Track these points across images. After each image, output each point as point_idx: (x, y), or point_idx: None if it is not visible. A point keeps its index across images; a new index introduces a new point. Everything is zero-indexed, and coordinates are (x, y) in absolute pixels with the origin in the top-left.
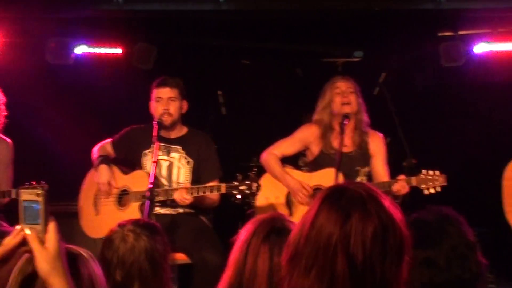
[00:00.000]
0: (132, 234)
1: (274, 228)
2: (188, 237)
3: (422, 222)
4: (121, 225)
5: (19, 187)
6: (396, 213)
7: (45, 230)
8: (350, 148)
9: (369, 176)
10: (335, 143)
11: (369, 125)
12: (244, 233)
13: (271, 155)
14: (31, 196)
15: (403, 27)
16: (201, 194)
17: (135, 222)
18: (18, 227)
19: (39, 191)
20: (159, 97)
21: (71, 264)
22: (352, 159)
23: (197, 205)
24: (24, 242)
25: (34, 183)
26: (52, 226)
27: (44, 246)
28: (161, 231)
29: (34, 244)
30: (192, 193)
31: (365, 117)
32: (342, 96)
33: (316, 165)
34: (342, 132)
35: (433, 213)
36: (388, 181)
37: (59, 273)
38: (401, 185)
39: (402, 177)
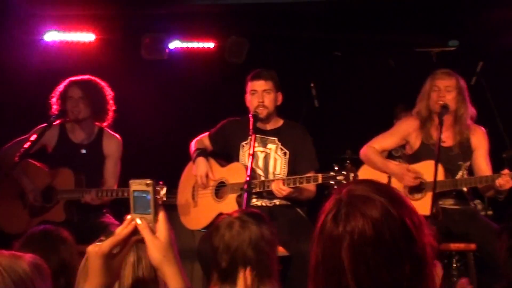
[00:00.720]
0: (238, 222)
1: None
2: (285, 229)
3: None
4: (229, 214)
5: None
6: (394, 206)
7: (155, 220)
8: (450, 143)
9: (470, 171)
10: (435, 135)
11: (473, 119)
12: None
13: (371, 149)
14: (140, 186)
15: (501, 14)
16: (297, 185)
17: (243, 211)
18: (128, 217)
19: (149, 181)
20: (254, 90)
21: None
22: (453, 154)
23: (296, 196)
24: (135, 232)
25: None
26: (162, 216)
27: (155, 236)
28: (268, 221)
29: (145, 234)
30: (288, 184)
31: (468, 112)
32: (438, 95)
33: (416, 157)
34: (441, 124)
35: None
36: (492, 175)
37: (170, 261)
38: (505, 180)
39: (506, 171)
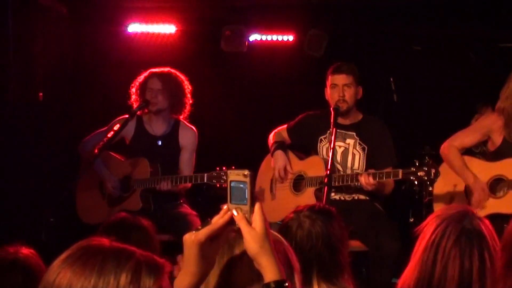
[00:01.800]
0: (308, 220)
1: (464, 230)
2: (364, 223)
3: None
4: (297, 212)
5: (218, 171)
6: None
7: (251, 211)
8: None
9: None
10: None
11: None
12: (431, 231)
13: (451, 148)
14: (238, 176)
15: None
16: (377, 179)
17: (311, 208)
18: (225, 206)
19: (246, 172)
20: (335, 84)
21: None
22: None
23: (376, 191)
24: (232, 222)
25: (225, 168)
26: (258, 207)
27: (251, 227)
28: (337, 216)
29: (242, 224)
30: (374, 178)
31: None
32: None
33: (498, 155)
34: None
35: None
36: None
37: (267, 252)
38: None
39: None
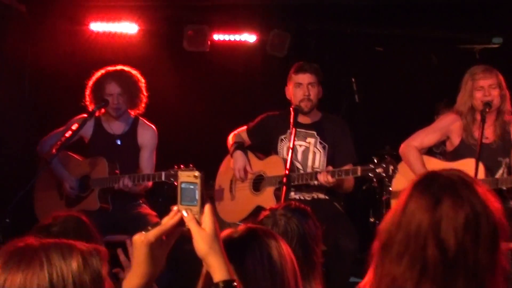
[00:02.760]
0: (283, 218)
1: None
2: (323, 223)
3: None
4: (272, 209)
5: (176, 169)
6: (491, 200)
7: (201, 211)
8: (491, 139)
9: (510, 169)
10: (477, 134)
11: (510, 113)
12: None
13: (410, 147)
14: (189, 178)
15: None
16: (336, 177)
17: (287, 206)
18: (175, 208)
19: (197, 173)
20: (299, 83)
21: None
22: (493, 151)
23: (336, 189)
24: (181, 223)
25: (182, 166)
26: (208, 208)
27: (201, 227)
28: (312, 215)
29: (191, 225)
30: (333, 176)
31: (507, 107)
32: (484, 94)
33: (456, 155)
34: (483, 121)
35: None
36: None
37: (216, 253)
38: None
39: None
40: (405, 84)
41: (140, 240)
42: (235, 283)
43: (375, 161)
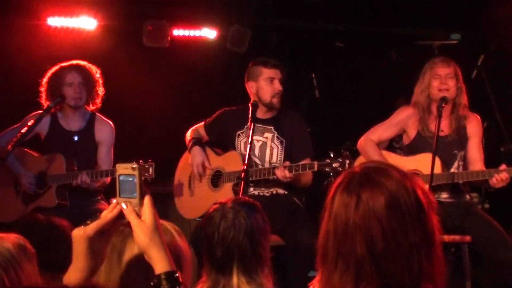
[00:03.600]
0: (232, 211)
1: None
2: (281, 218)
3: None
4: (221, 203)
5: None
6: (409, 179)
7: (141, 204)
8: (447, 132)
9: (465, 160)
10: (433, 126)
11: (467, 108)
12: None
13: (368, 141)
14: (127, 170)
15: (502, 7)
16: (293, 172)
17: (235, 200)
18: (114, 201)
19: (135, 165)
20: (272, 77)
21: None
22: (449, 143)
23: (294, 184)
24: (121, 216)
25: (141, 161)
26: (147, 200)
27: (141, 219)
28: (260, 209)
29: (131, 218)
30: (290, 171)
31: (464, 100)
32: (441, 82)
33: (413, 148)
34: (439, 115)
35: None
36: (489, 170)
37: (157, 245)
38: (502, 176)
39: (503, 167)
40: (364, 79)
41: (79, 235)
42: (177, 274)
43: (332, 155)
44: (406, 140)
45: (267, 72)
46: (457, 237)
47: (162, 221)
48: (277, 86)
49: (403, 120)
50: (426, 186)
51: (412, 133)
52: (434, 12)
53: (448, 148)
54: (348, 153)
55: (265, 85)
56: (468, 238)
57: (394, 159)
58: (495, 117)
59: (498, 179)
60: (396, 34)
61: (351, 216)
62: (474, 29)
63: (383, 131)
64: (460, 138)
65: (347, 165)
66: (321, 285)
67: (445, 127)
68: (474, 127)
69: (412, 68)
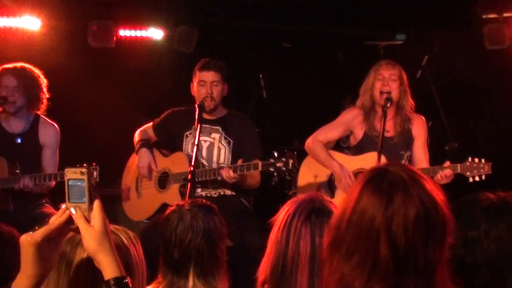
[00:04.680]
0: (189, 213)
1: (314, 208)
2: (229, 219)
3: (470, 203)
4: (179, 205)
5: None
6: (439, 195)
7: (90, 208)
8: (392, 134)
9: (411, 160)
10: (378, 126)
11: (413, 110)
12: (284, 214)
13: (316, 142)
14: (75, 175)
15: (446, 9)
16: (238, 172)
17: (193, 202)
18: (63, 206)
19: (84, 170)
20: (203, 81)
21: None
22: (395, 144)
23: (240, 184)
24: (70, 221)
25: (85, 165)
26: (97, 204)
27: (90, 224)
28: (217, 212)
29: (80, 223)
30: (234, 171)
31: (408, 103)
32: (383, 84)
33: (360, 148)
34: (384, 116)
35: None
36: (433, 167)
37: (106, 250)
38: (446, 172)
39: (447, 163)
40: (312, 80)
41: (27, 241)
42: (127, 280)
43: (276, 155)
44: (353, 141)
45: (199, 75)
46: None
47: (116, 227)
48: (207, 89)
49: (349, 121)
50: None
51: (359, 133)
52: (380, 13)
53: (395, 148)
54: (292, 152)
55: (198, 88)
56: None
57: (340, 158)
58: (439, 116)
59: (442, 176)
60: (342, 34)
61: (380, 216)
62: (419, 30)
63: (329, 131)
64: (405, 140)
65: (290, 165)
66: (326, 268)
67: (391, 129)
68: (418, 128)
69: (358, 68)
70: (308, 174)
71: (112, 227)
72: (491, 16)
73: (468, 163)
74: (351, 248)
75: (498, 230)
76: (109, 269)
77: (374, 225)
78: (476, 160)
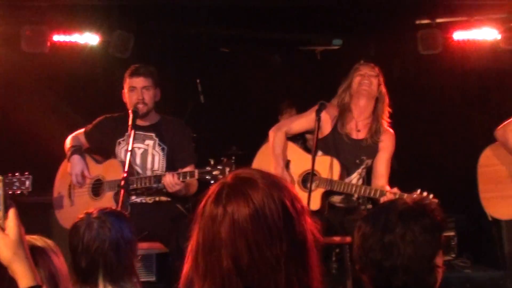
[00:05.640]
0: (97, 221)
1: None
2: (165, 225)
3: (392, 207)
4: (87, 213)
5: (10, 176)
6: (275, 189)
7: (5, 217)
8: (363, 135)
9: (368, 169)
10: (349, 126)
11: (387, 122)
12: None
13: (279, 132)
14: None
15: (382, 15)
16: (182, 179)
17: (102, 210)
18: None
19: None
20: (133, 87)
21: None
22: (361, 148)
23: (179, 192)
24: None
25: (17, 174)
26: (12, 213)
27: (4, 233)
28: (127, 219)
29: None
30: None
31: (383, 112)
32: (362, 78)
33: (326, 143)
34: (318, 121)
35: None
36: (380, 190)
37: (21, 259)
38: (390, 197)
39: (395, 190)
40: (249, 84)
41: None
42: None
43: (212, 163)
44: (319, 134)
45: (129, 81)
46: (337, 239)
47: (33, 236)
48: (138, 95)
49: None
50: (295, 191)
51: (326, 128)
52: (316, 18)
53: (358, 151)
54: (229, 160)
55: (129, 94)
56: (348, 239)
57: (297, 155)
58: None
59: (389, 198)
60: (279, 39)
61: (218, 229)
62: (355, 35)
63: (296, 124)
64: (372, 147)
65: (227, 172)
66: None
67: (363, 131)
68: (387, 141)
69: (295, 72)
70: (262, 165)
71: (29, 237)
72: (424, 21)
73: (415, 196)
74: (203, 270)
75: (413, 233)
76: (24, 278)
77: (215, 239)
78: (425, 194)
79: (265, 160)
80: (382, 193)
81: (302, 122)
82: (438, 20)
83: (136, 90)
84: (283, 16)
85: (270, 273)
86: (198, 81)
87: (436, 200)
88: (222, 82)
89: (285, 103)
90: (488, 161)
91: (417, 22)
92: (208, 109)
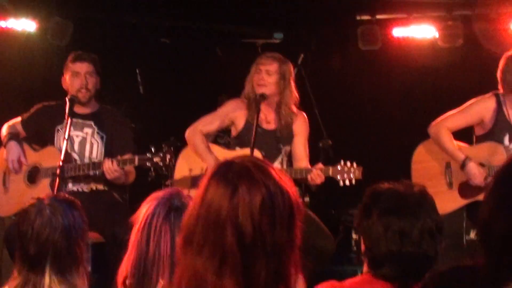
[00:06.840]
0: (49, 208)
1: (173, 206)
2: (101, 214)
3: (399, 193)
4: (39, 199)
5: None
6: (285, 181)
7: None
8: (274, 126)
9: (289, 156)
10: (258, 119)
11: (296, 106)
12: (143, 213)
13: (196, 132)
14: None
15: (323, 10)
16: (121, 166)
17: (54, 197)
18: None
19: None
20: (77, 72)
21: None
22: (276, 138)
23: (117, 179)
24: None
25: None
26: None
27: None
28: (79, 207)
29: None
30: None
31: (290, 99)
32: (259, 77)
33: (241, 138)
34: (258, 110)
35: (411, 187)
36: (306, 169)
37: None
38: (316, 174)
39: (319, 165)
40: (190, 76)
41: None
42: None
43: (153, 150)
44: (234, 132)
45: (72, 67)
46: None
47: None
48: (82, 80)
49: (229, 111)
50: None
51: (240, 123)
52: (258, 11)
53: (274, 142)
54: (169, 148)
55: (71, 79)
56: None
57: (218, 152)
58: (314, 113)
59: (313, 176)
60: (221, 31)
61: (226, 206)
62: (296, 29)
63: (210, 122)
64: (287, 133)
65: (168, 160)
66: (181, 268)
67: (272, 121)
68: (300, 125)
69: (236, 65)
70: (185, 167)
71: None
72: (365, 17)
73: (339, 167)
74: (201, 241)
75: None
76: None
77: (220, 215)
78: (348, 164)
79: (189, 162)
80: (308, 171)
81: (219, 119)
82: (378, 17)
83: (80, 76)
84: (225, 8)
85: (264, 259)
86: (137, 71)
87: (361, 168)
88: (162, 72)
89: (225, 95)
90: (421, 157)
91: (358, 18)
92: (147, 100)
